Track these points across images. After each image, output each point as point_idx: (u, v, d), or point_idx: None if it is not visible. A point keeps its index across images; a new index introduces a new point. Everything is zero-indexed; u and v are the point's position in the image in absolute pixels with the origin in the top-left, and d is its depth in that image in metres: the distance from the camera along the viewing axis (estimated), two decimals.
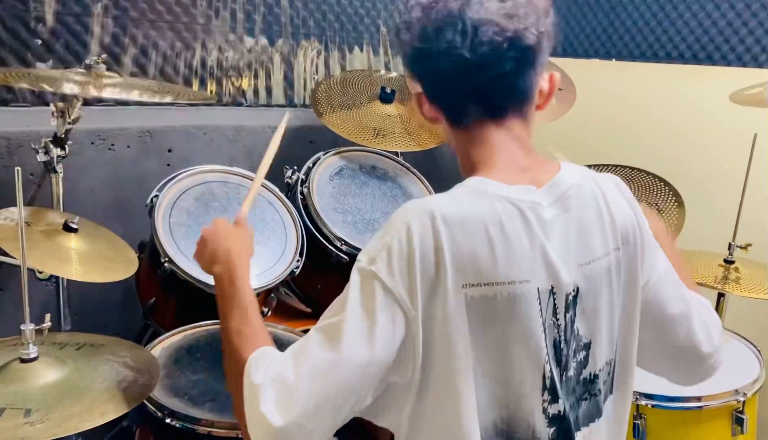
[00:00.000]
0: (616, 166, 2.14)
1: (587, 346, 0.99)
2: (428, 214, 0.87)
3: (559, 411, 0.95)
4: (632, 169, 2.14)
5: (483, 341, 0.89)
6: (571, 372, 0.97)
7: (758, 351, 1.77)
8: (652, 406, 1.57)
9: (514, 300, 0.89)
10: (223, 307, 1.06)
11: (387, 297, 0.86)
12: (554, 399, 0.95)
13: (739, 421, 1.57)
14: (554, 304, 0.93)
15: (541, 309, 0.91)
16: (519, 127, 0.97)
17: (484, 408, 0.90)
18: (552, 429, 0.95)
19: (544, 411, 0.94)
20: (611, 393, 1.05)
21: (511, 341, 0.90)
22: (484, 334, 0.88)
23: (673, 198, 2.07)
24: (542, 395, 0.93)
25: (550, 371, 0.93)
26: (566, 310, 0.94)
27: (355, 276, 0.90)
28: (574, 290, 0.95)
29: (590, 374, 1.00)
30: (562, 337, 0.94)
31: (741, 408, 1.57)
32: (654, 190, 2.13)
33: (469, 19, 0.89)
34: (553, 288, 0.92)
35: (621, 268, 1.01)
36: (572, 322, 0.96)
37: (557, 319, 0.93)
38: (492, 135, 0.96)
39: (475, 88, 0.94)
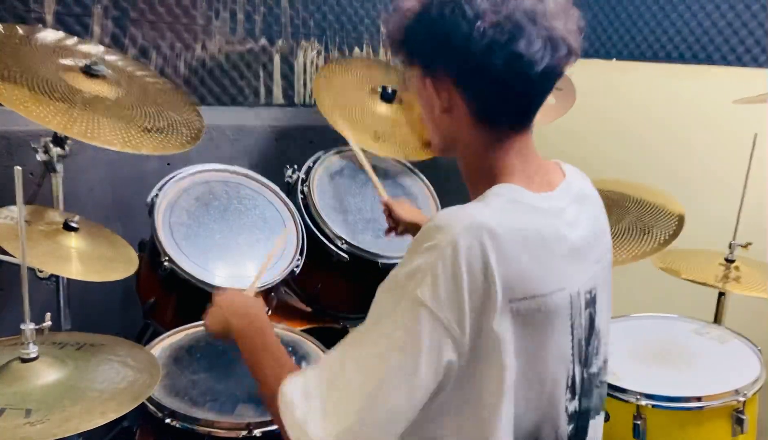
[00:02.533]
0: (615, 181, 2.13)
1: (602, 341, 1.02)
2: (475, 229, 0.82)
3: (576, 408, 0.97)
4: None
5: (525, 352, 0.88)
6: (594, 369, 1.00)
7: (758, 351, 1.76)
8: (652, 406, 1.56)
9: (554, 309, 0.89)
10: (251, 351, 1.04)
11: (434, 324, 0.82)
12: (573, 397, 0.96)
13: (739, 421, 1.57)
14: (580, 305, 0.94)
15: (572, 313, 0.93)
16: (530, 133, 0.97)
17: (521, 415, 0.89)
18: (571, 427, 0.97)
19: (566, 409, 0.96)
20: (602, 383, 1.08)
21: (548, 348, 0.91)
22: (527, 345, 0.88)
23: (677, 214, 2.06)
24: (565, 394, 0.95)
25: (573, 370, 0.95)
26: (586, 308, 0.96)
27: (399, 297, 0.84)
28: (594, 288, 0.98)
29: (598, 367, 1.03)
30: (584, 335, 0.96)
31: (741, 408, 1.57)
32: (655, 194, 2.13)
33: (551, 29, 0.86)
34: (579, 290, 0.94)
35: (608, 266, 1.05)
36: (592, 320, 0.98)
37: (581, 319, 0.95)
38: (515, 141, 0.94)
39: (524, 96, 0.91)
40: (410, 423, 0.85)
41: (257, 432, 1.31)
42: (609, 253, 1.04)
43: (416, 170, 2.23)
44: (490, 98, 0.91)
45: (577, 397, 0.97)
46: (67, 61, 1.67)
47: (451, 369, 0.84)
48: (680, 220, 2.01)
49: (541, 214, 0.90)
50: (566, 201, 0.96)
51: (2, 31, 1.62)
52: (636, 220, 1.94)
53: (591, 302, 0.97)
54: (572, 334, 0.93)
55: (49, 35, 1.75)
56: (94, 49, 1.82)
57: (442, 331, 0.82)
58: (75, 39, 1.80)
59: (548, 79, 0.89)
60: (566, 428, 0.96)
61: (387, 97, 2.27)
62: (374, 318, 0.86)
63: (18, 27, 1.70)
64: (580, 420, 0.98)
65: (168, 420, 1.32)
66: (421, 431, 0.90)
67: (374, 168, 2.18)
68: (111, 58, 1.82)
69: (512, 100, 0.91)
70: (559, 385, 0.93)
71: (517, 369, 0.87)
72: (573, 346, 0.94)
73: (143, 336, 1.95)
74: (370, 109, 2.24)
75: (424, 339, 0.81)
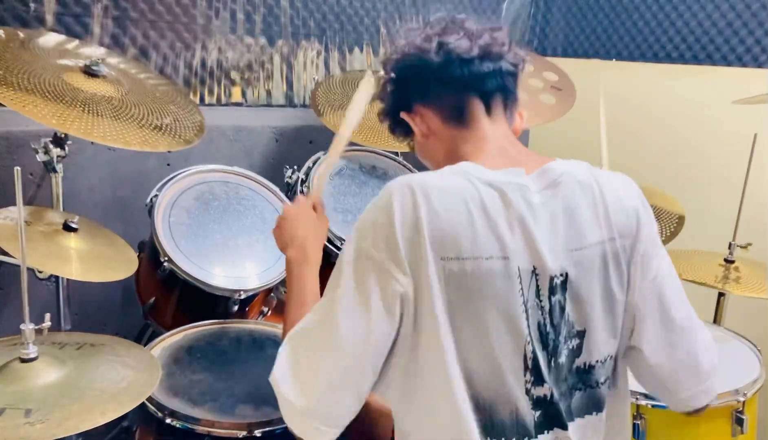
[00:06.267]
0: None
1: (580, 334, 0.99)
2: (408, 188, 0.92)
3: (545, 395, 0.96)
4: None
5: (462, 316, 0.91)
6: (563, 359, 0.98)
7: (758, 351, 1.76)
8: (652, 406, 1.56)
9: (492, 276, 0.91)
10: (289, 286, 1.19)
11: (378, 270, 0.91)
12: (539, 381, 0.95)
13: (740, 421, 1.57)
14: (537, 286, 0.95)
15: (522, 289, 0.93)
16: (505, 125, 1.08)
17: (466, 384, 0.92)
18: (538, 413, 0.96)
19: (528, 392, 0.95)
20: (615, 388, 1.06)
21: (489, 318, 0.92)
22: (463, 309, 0.91)
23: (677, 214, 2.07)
24: (524, 375, 0.94)
25: (533, 352, 0.94)
26: (551, 293, 0.96)
27: (347, 253, 0.95)
28: (562, 275, 0.96)
29: (585, 364, 1.00)
30: (548, 320, 0.96)
31: (741, 408, 1.57)
32: (654, 196, 2.13)
33: (464, 26, 1.06)
34: (535, 269, 0.94)
35: (620, 260, 1.01)
36: (562, 308, 0.97)
37: (540, 301, 0.95)
38: (486, 128, 1.05)
39: (475, 82, 1.05)
40: (376, 367, 0.93)
41: (257, 432, 1.31)
42: (605, 247, 0.99)
43: (415, 170, 2.23)
44: (444, 94, 1.06)
45: (546, 385, 0.96)
46: (68, 62, 1.66)
47: (406, 302, 0.91)
48: (680, 220, 2.02)
49: (488, 184, 0.94)
50: (537, 185, 0.98)
51: (2, 36, 1.62)
52: None
53: (559, 288, 0.96)
54: (526, 313, 0.94)
55: (51, 39, 1.75)
56: (94, 51, 1.82)
57: (386, 276, 0.91)
58: (76, 42, 1.80)
59: (485, 61, 1.03)
60: (530, 412, 0.95)
61: None
62: (331, 275, 0.97)
63: (19, 31, 1.69)
64: (552, 409, 0.97)
65: (168, 420, 1.33)
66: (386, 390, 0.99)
67: (374, 168, 2.19)
68: (110, 59, 1.81)
69: (462, 87, 1.05)
70: (507, 362, 0.93)
71: (455, 333, 0.91)
72: (528, 326, 0.94)
73: (143, 336, 1.95)
74: (376, 113, 2.24)
75: (370, 285, 0.91)
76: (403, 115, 1.11)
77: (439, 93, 1.07)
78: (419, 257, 0.90)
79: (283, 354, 0.97)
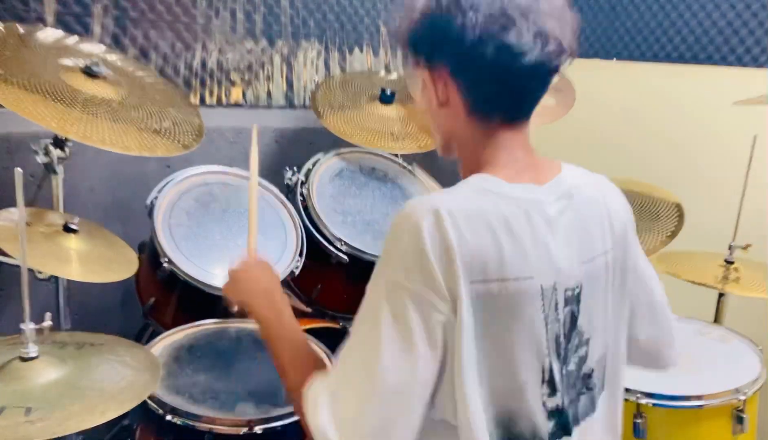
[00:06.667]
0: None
1: (587, 342, 1.01)
2: (434, 212, 0.87)
3: (558, 405, 0.97)
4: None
5: (488, 336, 0.89)
6: (572, 367, 0.99)
7: (759, 350, 1.77)
8: (653, 405, 1.57)
9: (518, 296, 0.90)
10: (275, 347, 1.08)
11: (417, 303, 0.86)
12: (552, 392, 0.96)
13: (740, 420, 1.57)
14: (556, 300, 0.94)
15: (543, 305, 0.93)
16: (526, 130, 1.00)
17: (486, 400, 0.91)
18: (551, 423, 0.96)
19: (544, 404, 0.95)
20: (603, 388, 1.07)
21: (514, 337, 0.91)
22: (489, 329, 0.89)
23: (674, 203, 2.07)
24: (541, 388, 0.95)
25: (550, 364, 0.95)
26: (566, 305, 0.96)
27: (378, 287, 0.90)
28: (577, 286, 0.97)
29: (589, 369, 1.02)
30: (562, 332, 0.96)
31: (742, 407, 1.57)
32: (654, 194, 2.13)
33: (542, 26, 0.90)
34: (555, 284, 0.94)
35: (616, 267, 1.03)
36: (574, 318, 0.97)
37: (558, 314, 0.95)
38: (506, 137, 0.98)
39: (514, 89, 0.95)
40: (426, 400, 0.88)
41: (258, 429, 1.32)
42: (607, 256, 1.01)
43: (415, 171, 2.23)
44: (481, 89, 0.95)
45: (558, 394, 0.97)
46: (68, 62, 1.66)
47: (447, 330, 0.88)
48: (679, 210, 2.02)
49: (510, 202, 0.91)
50: (551, 197, 0.96)
51: (2, 30, 1.62)
52: (636, 220, 1.94)
53: (573, 300, 0.97)
54: (546, 327, 0.93)
55: (49, 35, 1.75)
56: (93, 47, 1.82)
57: (425, 305, 0.86)
58: (75, 38, 1.80)
59: (538, 73, 0.93)
60: (546, 424, 0.96)
61: (387, 99, 2.27)
62: (363, 312, 0.91)
63: (18, 26, 1.70)
64: (562, 419, 0.98)
65: (169, 417, 1.33)
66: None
67: (373, 169, 2.19)
68: (111, 57, 1.82)
69: (503, 92, 0.95)
70: (529, 378, 0.93)
71: (478, 353, 0.89)
72: (547, 340, 0.94)
73: (143, 336, 1.95)
74: (376, 115, 2.24)
75: (408, 314, 0.86)
76: (426, 75, 0.98)
77: (475, 81, 0.95)
78: (454, 282, 0.86)
79: (321, 403, 0.89)
